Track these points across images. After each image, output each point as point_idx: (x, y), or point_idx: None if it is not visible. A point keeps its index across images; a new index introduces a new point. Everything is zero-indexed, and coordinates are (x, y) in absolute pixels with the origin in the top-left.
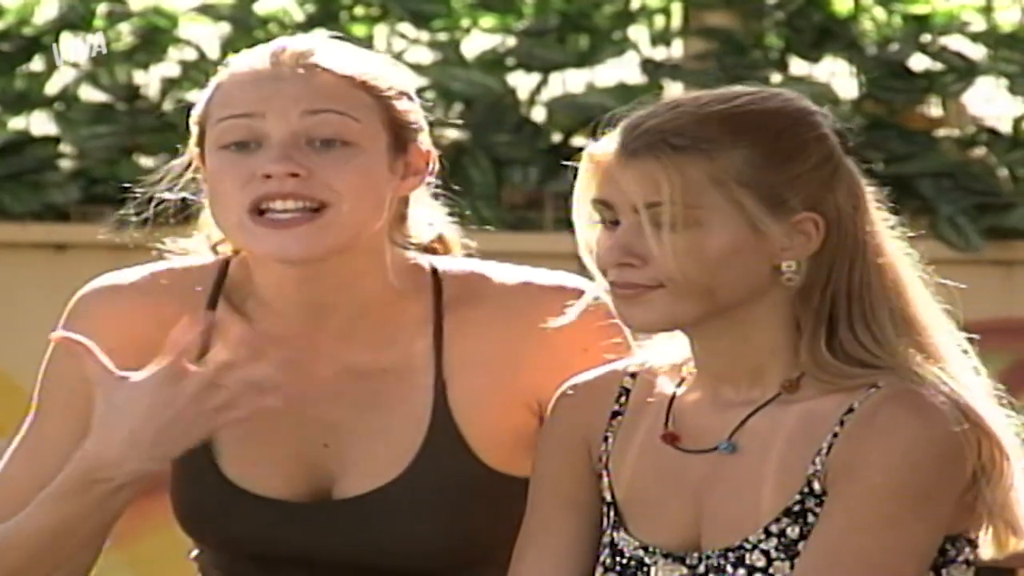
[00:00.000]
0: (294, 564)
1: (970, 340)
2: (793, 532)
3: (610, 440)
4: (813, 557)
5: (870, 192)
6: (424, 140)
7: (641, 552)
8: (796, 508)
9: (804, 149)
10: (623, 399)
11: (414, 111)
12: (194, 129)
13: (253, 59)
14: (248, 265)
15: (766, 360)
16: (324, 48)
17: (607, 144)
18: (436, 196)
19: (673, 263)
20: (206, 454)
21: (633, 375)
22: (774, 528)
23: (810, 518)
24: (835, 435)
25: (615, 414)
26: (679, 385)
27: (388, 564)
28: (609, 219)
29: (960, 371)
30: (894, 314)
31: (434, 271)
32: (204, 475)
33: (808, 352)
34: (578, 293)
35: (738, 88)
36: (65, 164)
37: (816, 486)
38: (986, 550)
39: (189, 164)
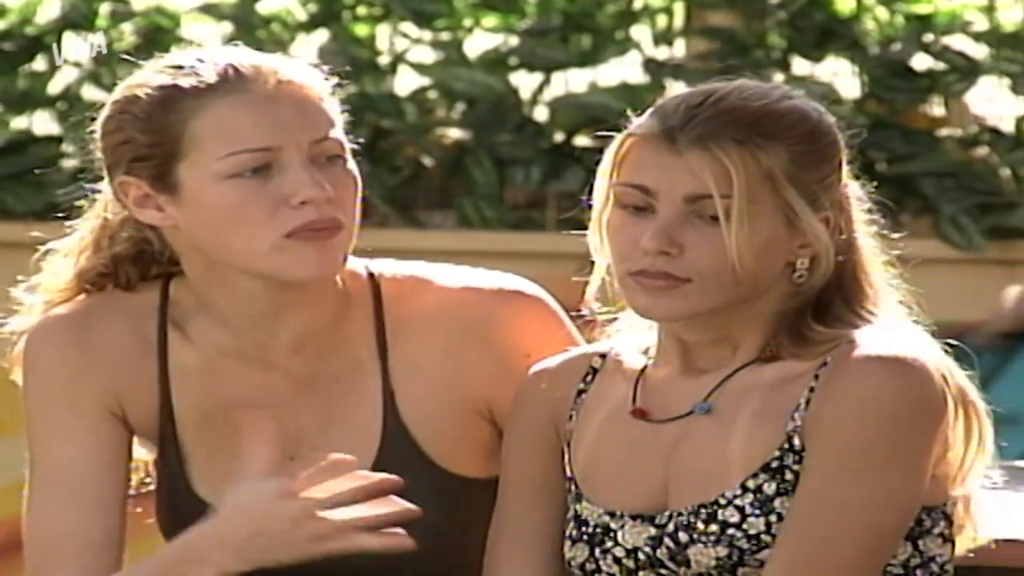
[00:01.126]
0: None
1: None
2: (770, 488)
3: (573, 418)
4: (795, 513)
5: (857, 190)
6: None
7: (607, 518)
8: (775, 464)
9: (833, 149)
10: (589, 378)
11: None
12: (142, 152)
13: (223, 75)
14: (189, 285)
15: (742, 340)
16: (287, 66)
17: (648, 129)
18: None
19: (735, 254)
20: (181, 472)
21: (603, 356)
22: (751, 483)
23: (787, 474)
24: (811, 389)
25: (580, 392)
26: (650, 361)
27: (358, 574)
28: (640, 204)
29: (919, 334)
30: (865, 301)
31: (370, 275)
32: (179, 492)
33: (790, 336)
34: (520, 295)
35: (756, 83)
36: (67, 164)
37: (796, 442)
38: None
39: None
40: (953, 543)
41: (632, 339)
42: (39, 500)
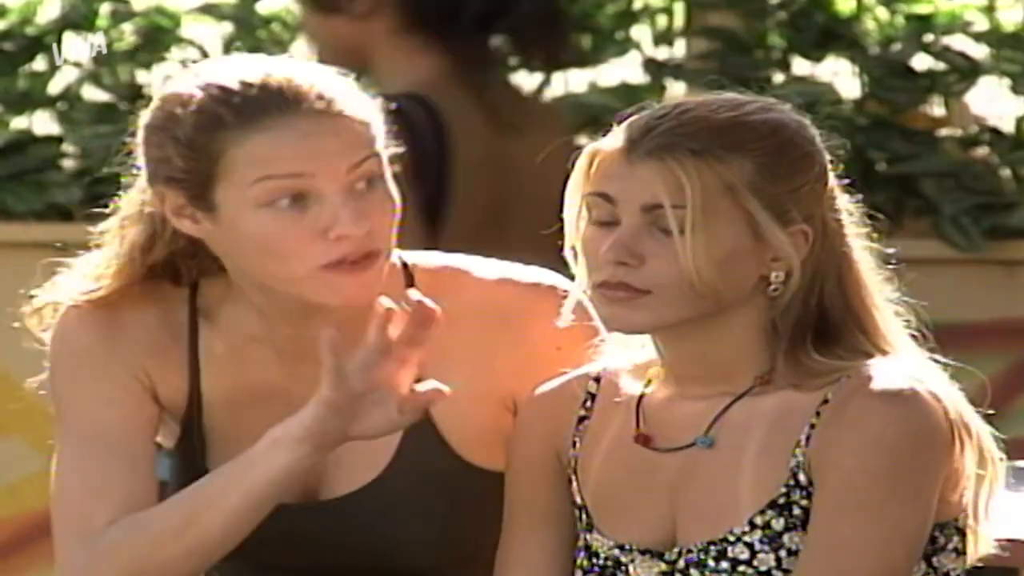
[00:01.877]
0: (282, 569)
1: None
2: (778, 524)
3: (578, 444)
4: (807, 552)
5: (850, 204)
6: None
7: (617, 551)
8: (781, 500)
9: (806, 161)
10: (588, 403)
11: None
12: (181, 165)
13: (267, 99)
14: (220, 278)
15: (735, 361)
16: (326, 86)
17: (612, 141)
18: None
19: (691, 265)
20: (202, 458)
21: (597, 379)
22: (758, 520)
23: (795, 510)
24: (812, 426)
25: (581, 419)
26: (646, 385)
27: (374, 564)
28: (604, 217)
29: (920, 364)
30: (863, 323)
31: (404, 265)
32: (197, 479)
33: (788, 362)
34: (555, 290)
35: (738, 95)
36: (68, 164)
37: (801, 477)
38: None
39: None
40: (966, 553)
41: (624, 356)
42: (78, 464)
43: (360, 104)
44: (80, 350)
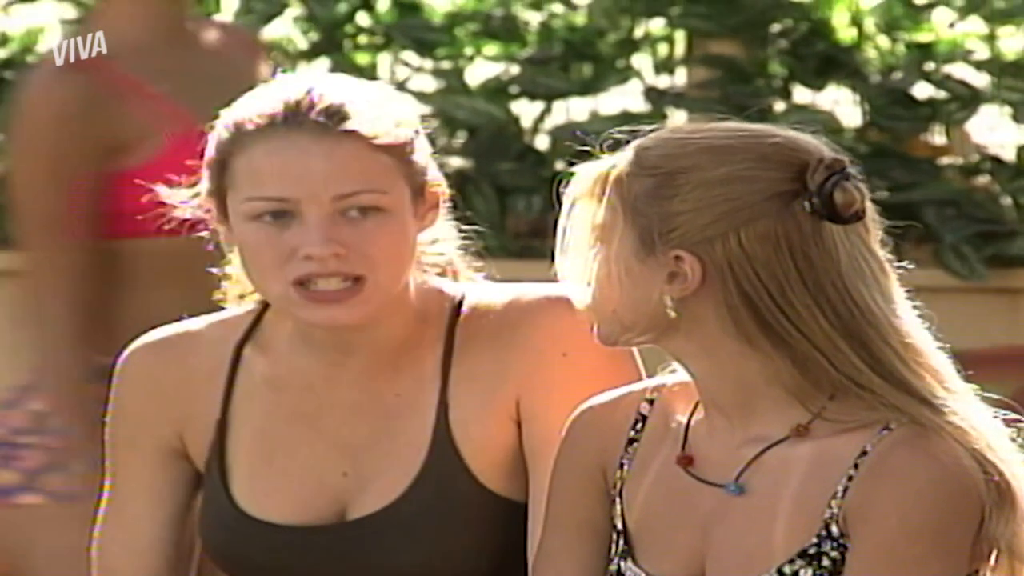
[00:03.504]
0: None
1: (968, 373)
2: (806, 574)
3: (626, 467)
4: None
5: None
6: (433, 173)
7: None
8: (812, 551)
9: (692, 190)
10: (639, 425)
11: (424, 149)
12: (207, 174)
13: (271, 115)
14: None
15: (750, 394)
16: (343, 104)
17: None
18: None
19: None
20: (222, 486)
21: (651, 401)
22: (787, 570)
23: (824, 561)
24: (850, 478)
25: (631, 440)
26: (694, 410)
27: None
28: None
29: (965, 410)
30: (894, 350)
31: (460, 301)
32: (222, 510)
33: (824, 418)
34: (564, 300)
35: (730, 124)
36: None
37: (834, 529)
38: None
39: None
40: None
41: (683, 374)
42: (101, 532)
43: (386, 133)
44: (117, 408)
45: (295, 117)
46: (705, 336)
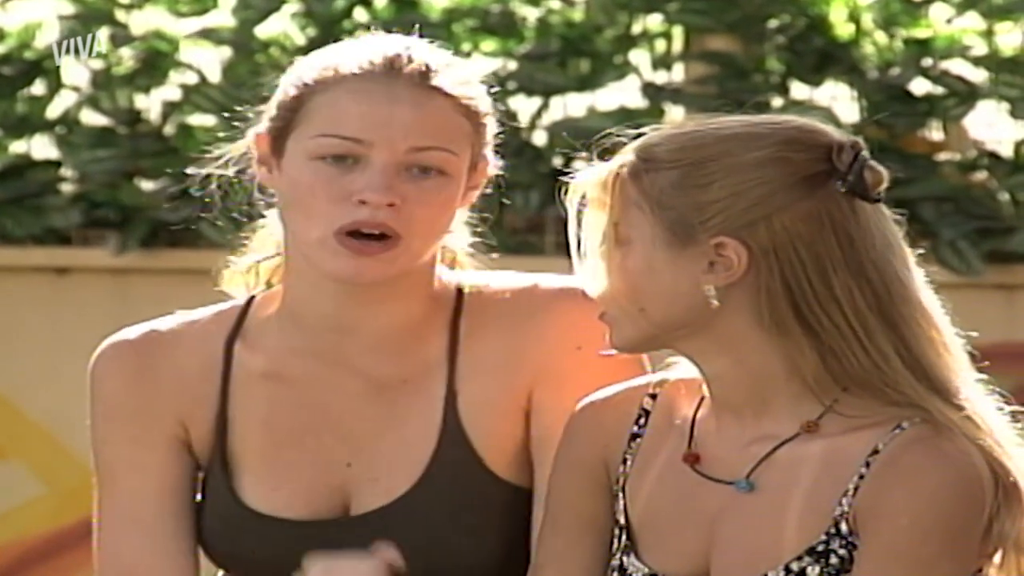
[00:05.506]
0: None
1: (979, 368)
2: (813, 572)
3: (628, 462)
4: None
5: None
6: (489, 154)
7: None
8: (820, 548)
9: (726, 176)
10: (643, 420)
11: (491, 127)
12: (275, 112)
13: (368, 64)
14: (270, 299)
15: (767, 389)
16: (438, 63)
17: None
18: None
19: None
20: (225, 483)
21: (653, 396)
22: (795, 566)
23: (832, 559)
24: (861, 476)
25: (634, 436)
26: (699, 407)
27: None
28: None
29: (978, 403)
30: (922, 328)
31: (459, 288)
32: (224, 504)
33: (835, 413)
34: (579, 293)
35: (739, 116)
36: (66, 188)
37: (843, 527)
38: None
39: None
40: None
41: (684, 365)
42: (111, 535)
43: (471, 99)
44: (110, 405)
45: (392, 68)
46: (734, 328)
